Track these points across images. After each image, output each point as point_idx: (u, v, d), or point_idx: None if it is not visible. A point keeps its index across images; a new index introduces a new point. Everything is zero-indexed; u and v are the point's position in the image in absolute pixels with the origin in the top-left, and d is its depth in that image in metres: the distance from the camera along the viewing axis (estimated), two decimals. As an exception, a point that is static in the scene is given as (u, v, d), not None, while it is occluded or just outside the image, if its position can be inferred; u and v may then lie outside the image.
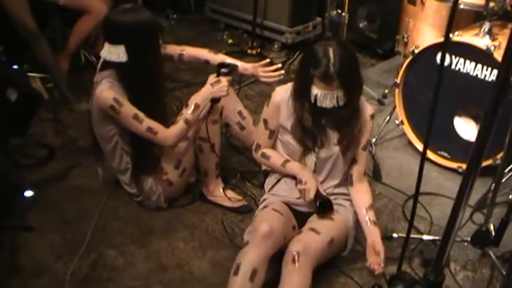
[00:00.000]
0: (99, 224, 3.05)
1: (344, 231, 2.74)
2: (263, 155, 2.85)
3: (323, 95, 2.49)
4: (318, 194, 2.68)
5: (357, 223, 2.78)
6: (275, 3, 5.17)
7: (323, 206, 2.68)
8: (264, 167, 3.02)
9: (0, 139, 3.31)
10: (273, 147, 2.88)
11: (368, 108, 2.75)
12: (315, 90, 2.49)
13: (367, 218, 2.70)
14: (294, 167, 2.76)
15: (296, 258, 2.46)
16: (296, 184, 2.74)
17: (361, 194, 2.81)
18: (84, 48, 4.55)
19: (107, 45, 2.83)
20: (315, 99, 2.50)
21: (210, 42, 5.28)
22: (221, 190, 3.26)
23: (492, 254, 2.81)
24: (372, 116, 2.77)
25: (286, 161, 2.79)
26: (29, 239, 2.94)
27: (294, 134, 2.71)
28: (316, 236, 2.60)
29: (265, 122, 2.80)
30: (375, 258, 2.57)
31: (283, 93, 2.73)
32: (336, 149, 2.71)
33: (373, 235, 2.65)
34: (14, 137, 3.44)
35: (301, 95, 2.60)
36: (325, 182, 2.81)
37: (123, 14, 2.82)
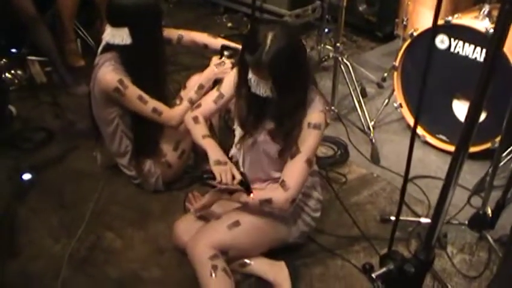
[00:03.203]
0: (97, 207, 3.06)
1: (265, 216, 2.56)
2: (195, 118, 2.62)
3: (256, 82, 2.33)
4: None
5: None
6: (275, -14, 5.15)
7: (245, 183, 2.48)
8: None
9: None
10: (214, 114, 2.75)
11: (317, 116, 2.41)
12: (250, 75, 2.34)
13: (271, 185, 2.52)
14: (209, 143, 2.53)
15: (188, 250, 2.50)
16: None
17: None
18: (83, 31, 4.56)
19: (109, 29, 2.84)
20: (250, 85, 2.36)
21: (209, 26, 5.27)
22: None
23: (489, 237, 2.81)
24: (314, 126, 2.40)
25: (207, 135, 2.58)
26: (27, 221, 2.95)
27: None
28: (213, 221, 2.59)
29: (221, 83, 2.69)
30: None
31: None
32: (262, 138, 2.51)
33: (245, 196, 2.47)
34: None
35: (240, 78, 2.44)
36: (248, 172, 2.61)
37: None
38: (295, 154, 2.42)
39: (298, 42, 2.36)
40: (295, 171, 2.43)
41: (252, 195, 2.46)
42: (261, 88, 2.33)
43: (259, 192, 2.49)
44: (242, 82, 2.42)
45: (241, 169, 2.60)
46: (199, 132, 2.58)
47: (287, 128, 2.41)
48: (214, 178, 2.41)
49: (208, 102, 2.65)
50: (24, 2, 3.81)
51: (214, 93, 2.65)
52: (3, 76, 3.99)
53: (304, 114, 2.40)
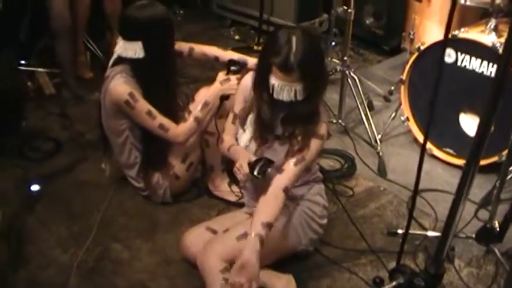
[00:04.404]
0: (105, 217, 3.07)
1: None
2: (221, 141, 2.72)
3: (280, 86, 2.30)
4: (251, 163, 2.49)
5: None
6: (281, 0, 5.18)
7: (261, 168, 2.46)
8: None
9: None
10: (237, 132, 2.72)
11: (322, 127, 2.48)
12: (273, 80, 2.31)
13: (257, 232, 2.27)
14: (236, 151, 2.60)
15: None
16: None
17: (266, 206, 2.40)
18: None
19: (121, 42, 2.85)
20: (273, 90, 2.34)
21: (217, 38, 5.30)
22: (226, 185, 3.27)
23: (497, 251, 2.81)
24: (319, 135, 2.47)
25: (232, 145, 2.64)
26: (35, 231, 2.96)
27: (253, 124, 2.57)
28: (222, 234, 2.61)
29: (233, 104, 2.74)
30: (238, 276, 2.18)
31: (249, 80, 2.61)
32: (273, 144, 2.54)
33: (248, 252, 2.23)
34: (9, 134, 3.50)
35: (260, 84, 2.43)
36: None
37: (139, 9, 2.83)
38: (299, 161, 2.45)
39: (319, 45, 2.42)
40: (294, 176, 2.47)
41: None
42: (284, 93, 2.31)
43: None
44: (263, 87, 2.40)
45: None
46: (225, 147, 2.69)
47: (302, 134, 2.45)
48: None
49: (228, 125, 2.74)
50: (63, 11, 3.87)
51: (230, 115, 2.72)
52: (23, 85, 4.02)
53: (317, 120, 2.45)
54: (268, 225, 2.32)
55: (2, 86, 3.40)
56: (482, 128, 1.38)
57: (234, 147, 2.64)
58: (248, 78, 2.61)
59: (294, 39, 2.27)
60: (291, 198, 2.60)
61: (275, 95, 2.34)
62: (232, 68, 2.98)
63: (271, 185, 2.44)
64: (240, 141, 2.65)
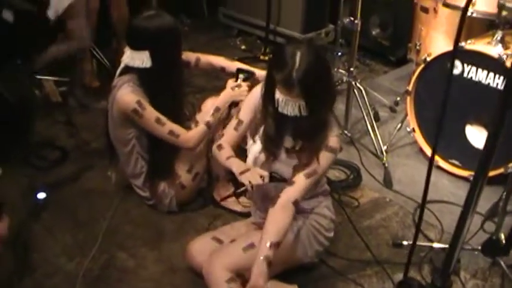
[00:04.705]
0: (111, 226, 3.07)
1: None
2: (219, 146, 2.64)
3: (284, 101, 2.31)
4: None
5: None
6: (288, 10, 5.18)
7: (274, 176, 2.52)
8: None
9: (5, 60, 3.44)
10: (238, 141, 2.71)
11: (333, 140, 2.47)
12: (277, 95, 2.32)
13: (265, 254, 2.29)
14: (233, 161, 2.55)
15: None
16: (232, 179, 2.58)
17: (275, 223, 2.39)
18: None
19: (129, 51, 2.86)
20: (277, 104, 2.34)
21: (223, 48, 5.31)
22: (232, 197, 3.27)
23: (503, 263, 2.80)
24: (330, 149, 2.46)
25: (231, 156, 2.59)
26: (41, 239, 2.97)
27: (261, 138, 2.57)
28: (228, 244, 2.63)
29: (239, 110, 2.72)
30: None
31: (260, 90, 2.58)
32: (281, 158, 2.54)
33: (256, 277, 2.26)
34: (17, 147, 3.52)
35: (266, 98, 2.44)
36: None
37: (147, 19, 2.85)
38: (311, 175, 2.44)
39: (325, 60, 2.39)
40: (305, 190, 2.46)
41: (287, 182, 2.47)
42: (289, 107, 2.32)
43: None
44: (269, 101, 2.41)
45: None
46: (224, 155, 2.59)
47: (310, 148, 2.44)
48: (246, 190, 2.47)
49: (230, 130, 2.68)
50: (85, 33, 3.98)
51: (233, 121, 2.68)
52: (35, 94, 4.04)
53: (326, 134, 2.43)
54: (276, 245, 2.33)
55: (11, 96, 3.41)
56: (490, 141, 1.38)
57: (233, 159, 2.57)
58: (259, 89, 2.60)
59: (298, 54, 2.26)
60: (298, 211, 2.60)
61: (280, 109, 2.35)
62: (241, 75, 3.00)
63: (281, 197, 2.43)
64: (250, 152, 2.64)
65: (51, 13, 3.78)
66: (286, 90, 2.29)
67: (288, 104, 2.31)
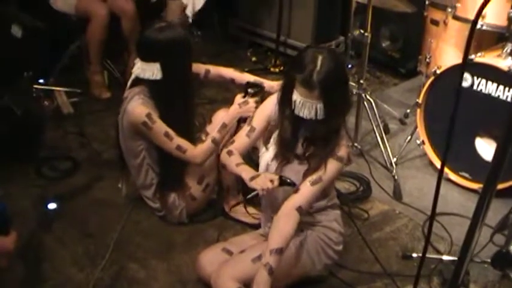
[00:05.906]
0: (122, 237, 3.08)
1: (288, 250, 2.50)
2: (229, 151, 2.65)
3: (302, 103, 2.34)
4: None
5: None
6: (299, 22, 5.21)
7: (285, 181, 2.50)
8: None
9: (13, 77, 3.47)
10: (248, 148, 2.74)
11: (342, 149, 2.49)
12: (295, 96, 2.35)
13: (266, 261, 2.32)
14: (243, 168, 2.56)
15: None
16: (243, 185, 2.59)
17: (277, 230, 2.40)
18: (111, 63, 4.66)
19: (140, 63, 2.88)
20: (294, 106, 2.37)
21: (234, 60, 5.33)
22: (242, 206, 3.28)
23: (512, 276, 2.80)
24: (338, 157, 2.48)
25: (241, 163, 2.60)
26: (52, 250, 2.99)
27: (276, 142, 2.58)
28: (237, 255, 2.63)
29: (252, 117, 2.73)
30: None
31: (275, 99, 2.60)
32: (292, 163, 2.55)
33: (257, 283, 2.32)
34: (27, 159, 3.56)
35: (283, 100, 2.47)
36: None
37: (159, 31, 2.86)
38: (316, 182, 2.46)
39: (344, 67, 2.46)
40: (310, 197, 2.47)
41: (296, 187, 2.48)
42: (305, 110, 2.35)
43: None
44: (286, 103, 2.44)
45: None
46: (233, 162, 2.60)
47: (320, 155, 2.46)
48: (257, 194, 2.51)
49: (241, 137, 2.70)
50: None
51: (246, 128, 2.70)
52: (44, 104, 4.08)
53: (337, 142, 2.46)
54: (279, 251, 2.33)
55: (18, 109, 3.46)
56: (499, 154, 1.38)
57: (243, 166, 2.59)
58: (274, 98, 2.61)
59: (320, 58, 2.32)
60: (306, 224, 2.62)
61: (296, 111, 2.37)
62: (250, 90, 3.01)
63: (285, 204, 2.45)
64: (262, 160, 2.65)
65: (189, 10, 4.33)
66: (306, 90, 2.32)
67: (305, 106, 2.34)
